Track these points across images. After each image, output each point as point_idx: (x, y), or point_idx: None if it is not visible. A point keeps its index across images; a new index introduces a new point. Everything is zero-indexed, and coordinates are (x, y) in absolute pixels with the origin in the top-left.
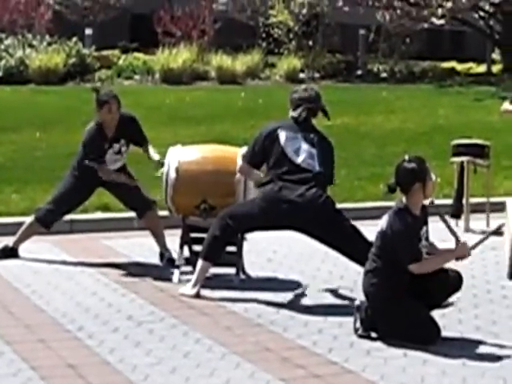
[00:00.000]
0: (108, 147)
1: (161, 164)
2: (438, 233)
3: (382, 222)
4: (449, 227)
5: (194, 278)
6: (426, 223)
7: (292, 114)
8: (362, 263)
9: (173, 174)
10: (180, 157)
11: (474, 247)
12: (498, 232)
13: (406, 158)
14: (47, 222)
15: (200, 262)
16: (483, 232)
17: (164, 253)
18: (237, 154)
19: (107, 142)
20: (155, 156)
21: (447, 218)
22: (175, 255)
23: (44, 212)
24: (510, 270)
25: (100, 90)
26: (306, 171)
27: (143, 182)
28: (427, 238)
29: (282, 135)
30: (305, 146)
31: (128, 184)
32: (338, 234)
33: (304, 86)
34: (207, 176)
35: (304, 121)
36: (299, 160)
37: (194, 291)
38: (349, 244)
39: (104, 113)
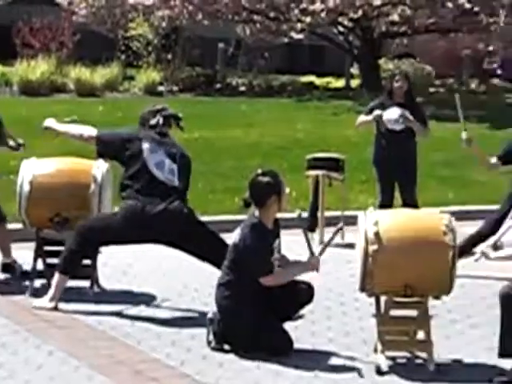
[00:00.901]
0: None
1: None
2: (291, 245)
3: (235, 235)
4: (308, 241)
5: (51, 291)
6: (278, 236)
7: (151, 122)
8: None
9: (27, 187)
10: (34, 170)
11: (320, 254)
12: (338, 232)
13: (259, 171)
14: None
15: (57, 276)
16: (337, 245)
17: (12, 265)
18: (91, 167)
19: None
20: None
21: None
22: (27, 267)
23: None
24: (361, 283)
25: None
26: (165, 186)
27: None
28: (279, 251)
29: (146, 147)
30: (167, 161)
31: None
32: (202, 243)
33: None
34: (61, 189)
35: (163, 131)
36: (160, 174)
37: (51, 305)
38: (213, 252)
39: None
